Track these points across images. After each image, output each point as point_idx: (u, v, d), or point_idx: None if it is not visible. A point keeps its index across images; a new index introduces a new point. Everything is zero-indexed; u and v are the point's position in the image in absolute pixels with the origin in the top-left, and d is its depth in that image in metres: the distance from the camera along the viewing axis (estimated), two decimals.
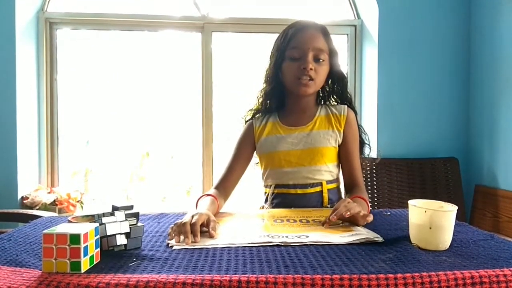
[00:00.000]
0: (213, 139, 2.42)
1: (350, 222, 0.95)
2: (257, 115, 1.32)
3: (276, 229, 0.92)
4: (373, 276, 0.60)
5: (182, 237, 0.82)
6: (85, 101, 2.55)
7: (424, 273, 0.61)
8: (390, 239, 0.83)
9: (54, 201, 2.19)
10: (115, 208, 0.78)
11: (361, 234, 0.86)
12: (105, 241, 0.74)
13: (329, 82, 1.28)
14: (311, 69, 1.16)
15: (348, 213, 0.91)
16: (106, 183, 2.63)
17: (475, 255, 0.74)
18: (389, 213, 1.12)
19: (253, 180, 1.45)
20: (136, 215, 0.80)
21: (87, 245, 0.66)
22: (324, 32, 1.21)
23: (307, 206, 1.19)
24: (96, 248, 0.69)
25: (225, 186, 1.22)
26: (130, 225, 0.77)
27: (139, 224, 0.79)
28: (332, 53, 1.22)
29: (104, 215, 0.76)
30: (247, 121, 1.33)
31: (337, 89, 1.29)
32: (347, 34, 2.49)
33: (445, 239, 0.77)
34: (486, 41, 2.23)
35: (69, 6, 2.39)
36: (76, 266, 0.64)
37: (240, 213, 1.11)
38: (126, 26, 2.40)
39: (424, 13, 2.33)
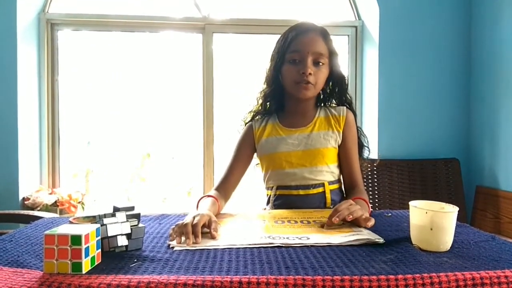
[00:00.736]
0: (214, 140, 2.42)
1: (352, 222, 0.95)
2: (257, 117, 1.32)
3: (277, 230, 0.92)
4: (374, 277, 0.60)
5: (183, 238, 0.82)
6: (86, 102, 2.56)
7: (425, 274, 0.61)
8: (391, 240, 0.83)
9: (55, 202, 2.19)
10: (116, 209, 0.78)
11: (362, 234, 0.86)
12: (106, 242, 0.74)
13: (329, 84, 1.28)
14: (310, 73, 1.16)
15: (351, 216, 0.91)
16: (107, 184, 2.63)
17: (476, 256, 0.73)
18: (390, 214, 1.12)
19: (255, 182, 1.45)
20: (137, 216, 0.80)
21: (88, 246, 0.66)
22: (324, 35, 1.21)
23: (309, 207, 1.18)
24: (97, 249, 0.69)
25: (226, 187, 1.22)
26: (131, 226, 0.77)
27: (140, 225, 0.79)
28: (332, 55, 1.22)
29: (105, 216, 0.76)
30: (247, 122, 1.33)
31: (337, 91, 1.29)
32: (348, 35, 2.49)
33: (446, 240, 0.77)
34: (486, 42, 2.23)
35: (70, 7, 2.40)
36: (77, 267, 0.64)
37: (241, 214, 1.10)
38: (127, 27, 2.40)
39: (425, 14, 2.33)
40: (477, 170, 2.31)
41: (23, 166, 2.17)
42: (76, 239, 0.64)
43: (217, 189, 1.21)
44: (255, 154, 1.30)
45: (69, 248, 0.64)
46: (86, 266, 0.65)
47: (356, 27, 2.48)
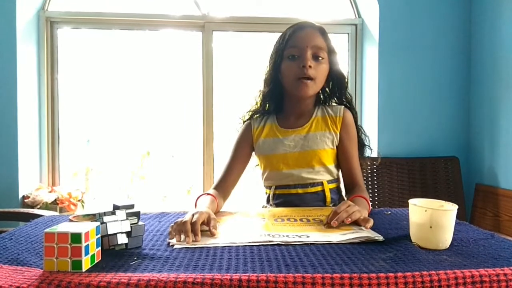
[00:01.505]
0: (214, 138, 2.42)
1: None
2: (256, 116, 1.31)
3: (277, 228, 0.92)
4: (374, 275, 0.60)
5: (182, 236, 0.82)
6: (85, 100, 2.55)
7: (425, 272, 0.61)
8: (391, 238, 0.83)
9: (55, 200, 2.19)
10: (116, 207, 0.78)
11: (361, 232, 0.86)
12: (106, 240, 0.74)
13: (329, 83, 1.27)
14: (310, 66, 1.15)
15: (349, 219, 0.91)
16: (107, 182, 2.63)
17: (475, 254, 0.74)
18: (389, 212, 1.12)
19: (254, 180, 1.45)
20: (137, 214, 0.80)
21: (88, 244, 0.66)
22: (322, 31, 1.21)
23: (309, 205, 1.18)
24: (97, 247, 0.69)
25: (224, 186, 1.22)
26: (131, 224, 0.77)
27: (140, 223, 0.79)
28: (331, 52, 1.21)
29: (105, 214, 0.76)
30: (245, 121, 1.32)
31: (337, 90, 1.28)
32: (348, 33, 2.49)
33: (446, 238, 0.78)
34: (486, 40, 2.23)
35: (70, 5, 2.39)
36: (77, 265, 0.64)
37: (241, 212, 1.10)
38: (126, 25, 2.40)
39: (425, 12, 2.33)
40: (476, 168, 2.32)
41: (23, 164, 2.17)
42: (76, 237, 0.64)
43: (216, 187, 1.21)
44: (253, 153, 1.30)
45: (69, 246, 0.64)
46: (86, 264, 0.65)
47: (356, 25, 2.47)
